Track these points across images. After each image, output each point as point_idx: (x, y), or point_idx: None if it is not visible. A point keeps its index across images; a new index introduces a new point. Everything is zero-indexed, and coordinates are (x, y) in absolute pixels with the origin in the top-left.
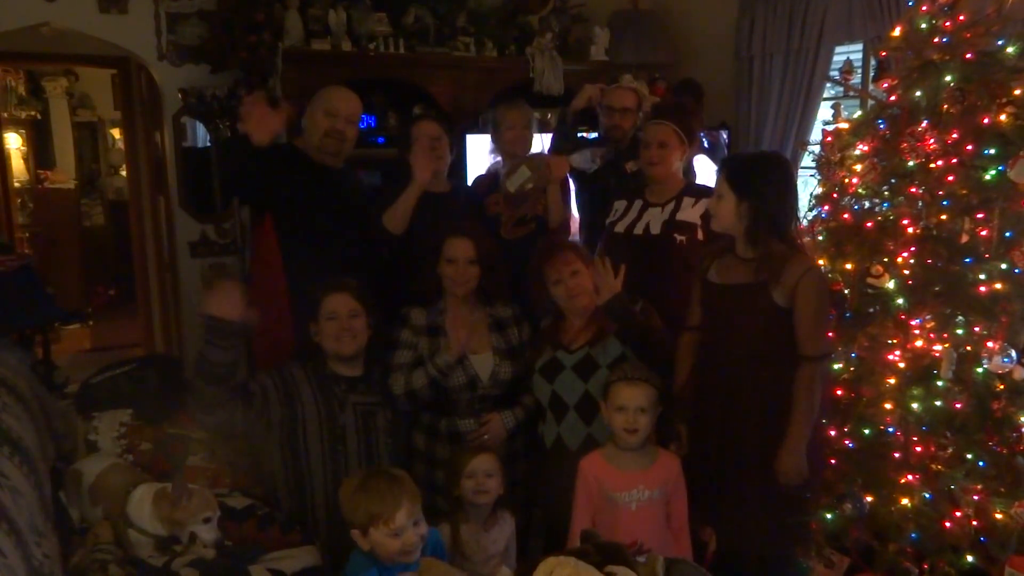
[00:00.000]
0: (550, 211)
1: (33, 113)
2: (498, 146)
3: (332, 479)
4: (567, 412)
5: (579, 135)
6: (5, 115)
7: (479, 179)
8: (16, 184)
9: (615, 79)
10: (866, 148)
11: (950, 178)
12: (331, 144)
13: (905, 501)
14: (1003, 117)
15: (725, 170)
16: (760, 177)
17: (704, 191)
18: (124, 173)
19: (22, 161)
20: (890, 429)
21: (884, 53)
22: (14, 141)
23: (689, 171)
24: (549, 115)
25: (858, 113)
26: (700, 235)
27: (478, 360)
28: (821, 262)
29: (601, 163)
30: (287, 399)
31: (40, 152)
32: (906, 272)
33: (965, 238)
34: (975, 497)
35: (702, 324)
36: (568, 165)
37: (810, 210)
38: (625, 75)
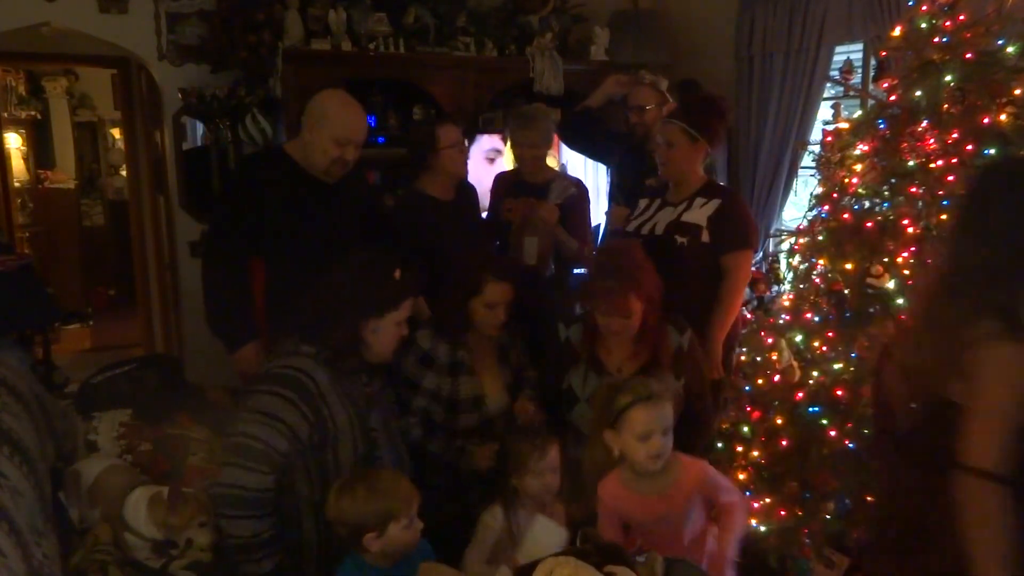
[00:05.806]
0: (563, 250)
1: (33, 113)
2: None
3: None
4: None
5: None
6: (5, 115)
7: (501, 176)
8: (16, 184)
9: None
10: (866, 148)
11: (950, 178)
12: (337, 170)
13: None
14: (1003, 117)
15: None
16: None
17: (716, 191)
18: (124, 173)
19: (22, 161)
20: None
21: (884, 53)
22: (14, 141)
23: (712, 170)
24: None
25: (858, 113)
26: (706, 236)
27: (491, 399)
28: (821, 262)
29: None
30: (318, 422)
31: (40, 152)
32: (906, 272)
33: None
34: None
35: None
36: (556, 210)
37: (810, 210)
38: (641, 71)
